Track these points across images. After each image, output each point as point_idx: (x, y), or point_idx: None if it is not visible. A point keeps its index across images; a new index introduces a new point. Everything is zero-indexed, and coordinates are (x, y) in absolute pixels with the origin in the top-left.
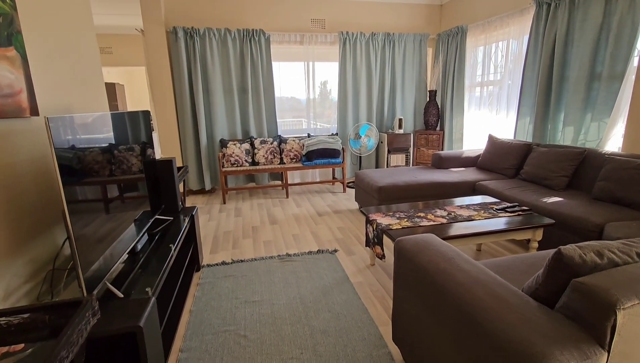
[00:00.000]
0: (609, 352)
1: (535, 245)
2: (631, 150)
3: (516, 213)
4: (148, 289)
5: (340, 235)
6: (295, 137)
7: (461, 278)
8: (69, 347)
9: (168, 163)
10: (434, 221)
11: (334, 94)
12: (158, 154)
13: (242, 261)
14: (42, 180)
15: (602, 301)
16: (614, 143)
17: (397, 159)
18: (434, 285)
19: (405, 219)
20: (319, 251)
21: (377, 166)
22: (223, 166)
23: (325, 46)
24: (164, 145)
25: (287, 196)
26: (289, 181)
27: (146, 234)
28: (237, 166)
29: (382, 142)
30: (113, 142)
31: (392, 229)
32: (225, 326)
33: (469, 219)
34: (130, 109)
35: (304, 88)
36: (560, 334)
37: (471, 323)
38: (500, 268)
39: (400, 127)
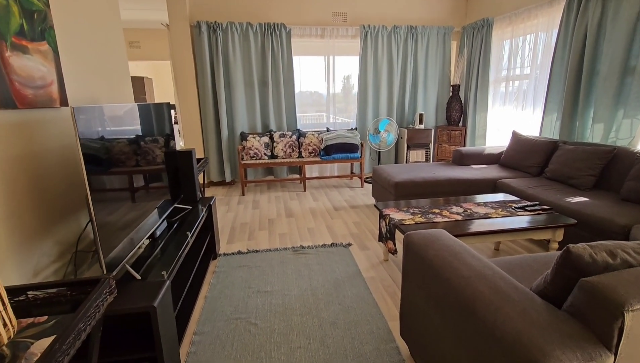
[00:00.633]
0: (615, 354)
1: (555, 245)
2: None
3: (536, 212)
4: (164, 272)
5: (356, 230)
6: (314, 131)
7: (465, 271)
8: (87, 321)
9: (188, 153)
10: (448, 217)
11: (356, 89)
12: (180, 146)
13: (256, 251)
14: (69, 167)
15: (609, 302)
16: None
17: (417, 155)
18: (438, 277)
19: (419, 215)
20: (332, 245)
21: (396, 162)
22: (242, 159)
23: (346, 39)
24: (187, 137)
25: (305, 190)
26: (307, 175)
27: (165, 221)
28: (256, 159)
29: (401, 137)
30: (137, 132)
31: (404, 224)
32: (237, 314)
33: (485, 217)
34: (158, 101)
35: (324, 82)
36: (563, 333)
37: (472, 317)
38: (511, 266)
39: (421, 122)
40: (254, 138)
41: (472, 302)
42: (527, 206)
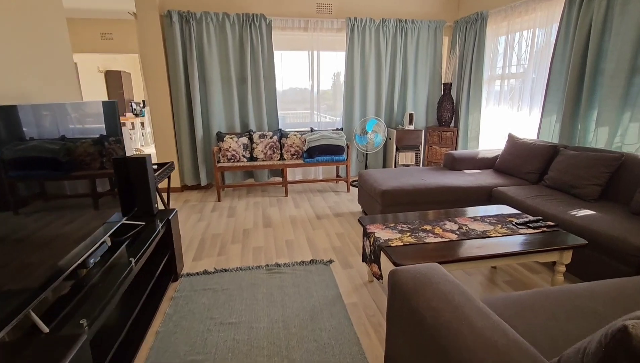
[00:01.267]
0: None
1: (562, 269)
2: None
3: (540, 229)
4: (83, 321)
5: (339, 243)
6: (297, 131)
7: (470, 339)
8: None
9: (141, 161)
10: (441, 236)
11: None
12: (132, 151)
13: (225, 270)
14: None
15: None
16: None
17: (407, 157)
18: (433, 342)
19: (408, 234)
20: (312, 262)
21: (384, 165)
22: (219, 161)
23: (331, 32)
24: (158, 137)
25: (286, 195)
26: (290, 179)
27: (108, 242)
28: (234, 162)
29: (390, 138)
30: (62, 134)
31: (391, 246)
32: (192, 354)
33: (484, 235)
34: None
35: (308, 79)
36: None
37: None
38: (519, 309)
39: (410, 123)
40: (231, 138)
41: None
42: (529, 221)
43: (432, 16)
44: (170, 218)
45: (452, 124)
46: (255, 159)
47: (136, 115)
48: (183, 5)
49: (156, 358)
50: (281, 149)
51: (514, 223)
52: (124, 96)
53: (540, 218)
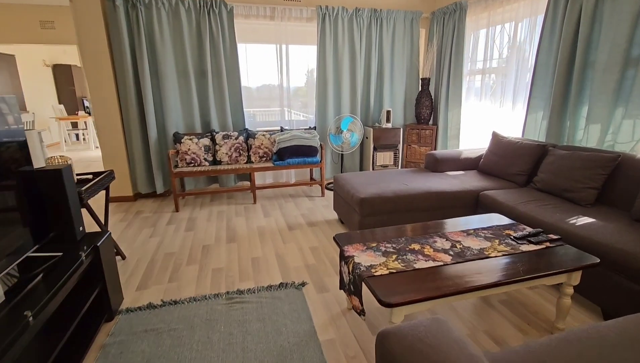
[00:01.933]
0: None
1: (570, 291)
2: None
3: (543, 245)
4: None
5: (313, 260)
6: (266, 131)
7: None
8: None
9: (54, 174)
10: (433, 258)
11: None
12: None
13: (175, 302)
14: None
15: None
16: None
17: (385, 157)
18: None
19: (394, 256)
20: (281, 286)
21: (361, 166)
22: (177, 166)
23: (301, 22)
24: (104, 140)
25: (255, 202)
26: (260, 183)
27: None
28: (194, 166)
29: (367, 137)
30: None
31: (375, 275)
32: None
33: (481, 255)
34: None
35: (277, 75)
36: None
37: None
38: None
39: (388, 120)
40: (190, 139)
41: None
42: (529, 235)
43: (408, 6)
44: (99, 244)
45: (431, 122)
46: (219, 162)
47: (89, 113)
48: None
49: None
50: (248, 151)
51: (512, 237)
52: (75, 92)
53: (541, 230)
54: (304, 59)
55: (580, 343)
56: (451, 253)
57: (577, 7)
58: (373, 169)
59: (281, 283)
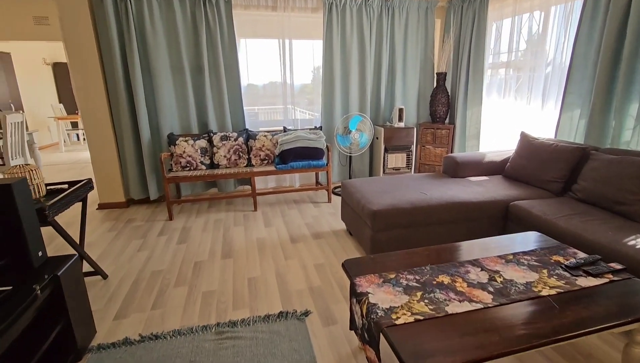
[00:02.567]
0: None
1: None
2: None
3: (605, 277)
4: None
5: (318, 281)
6: (267, 131)
7: None
8: None
9: (3, 190)
10: (468, 297)
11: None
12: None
13: (157, 337)
14: None
15: None
16: None
17: (397, 159)
18: None
19: (419, 293)
20: (280, 316)
21: (371, 169)
22: (171, 170)
23: (305, 13)
24: (93, 143)
25: (256, 209)
26: (261, 188)
27: None
28: (189, 170)
29: (377, 138)
30: None
31: (396, 324)
32: None
33: (530, 293)
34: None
35: (280, 72)
36: None
37: None
38: None
39: (400, 119)
40: (186, 141)
41: None
42: (584, 263)
43: None
44: (60, 273)
45: (447, 121)
46: (217, 166)
47: None
48: None
49: None
50: (248, 154)
51: (563, 265)
52: (72, 90)
53: (599, 257)
54: (309, 54)
55: None
56: (490, 289)
57: None
58: (384, 172)
59: (281, 312)
